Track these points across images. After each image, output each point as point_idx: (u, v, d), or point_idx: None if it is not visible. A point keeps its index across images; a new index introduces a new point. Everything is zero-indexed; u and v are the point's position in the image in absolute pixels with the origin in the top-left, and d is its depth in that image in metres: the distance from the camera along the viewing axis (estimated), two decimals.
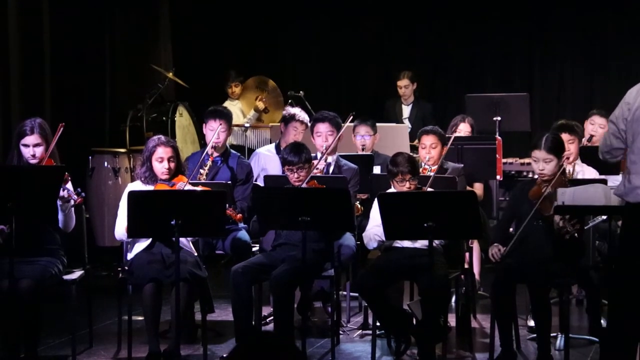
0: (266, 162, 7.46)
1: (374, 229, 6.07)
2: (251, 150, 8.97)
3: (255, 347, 2.81)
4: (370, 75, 11.46)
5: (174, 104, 9.67)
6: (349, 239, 6.46)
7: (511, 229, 6.20)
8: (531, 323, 6.41)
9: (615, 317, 4.94)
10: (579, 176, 6.65)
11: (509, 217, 6.17)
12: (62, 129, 5.92)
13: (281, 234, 6.25)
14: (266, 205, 5.92)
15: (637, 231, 4.83)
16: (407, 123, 9.78)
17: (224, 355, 6.01)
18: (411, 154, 6.65)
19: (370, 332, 6.22)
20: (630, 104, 4.91)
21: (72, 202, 5.77)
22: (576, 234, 5.65)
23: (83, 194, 5.80)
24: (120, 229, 6.03)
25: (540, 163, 5.93)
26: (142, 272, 5.85)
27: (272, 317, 6.51)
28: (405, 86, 10.02)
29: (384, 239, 5.97)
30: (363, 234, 6.21)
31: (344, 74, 11.46)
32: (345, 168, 6.99)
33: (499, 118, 8.60)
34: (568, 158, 6.50)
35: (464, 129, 7.93)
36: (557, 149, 5.94)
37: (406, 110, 10.06)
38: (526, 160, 8.24)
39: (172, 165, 6.10)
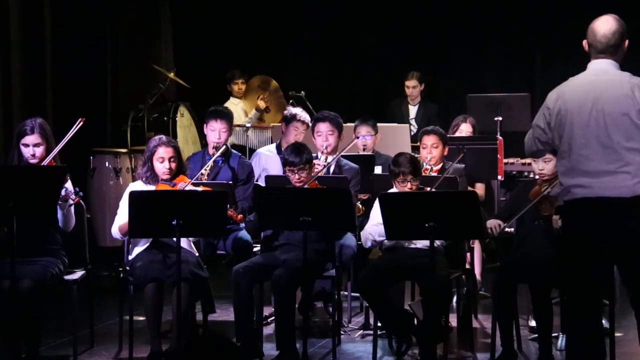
0: (267, 162, 7.46)
1: (371, 228, 6.09)
2: (252, 150, 8.97)
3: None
4: (371, 76, 11.45)
5: (175, 104, 9.68)
6: (350, 239, 6.46)
7: (511, 229, 6.20)
8: (532, 323, 6.41)
9: (572, 315, 4.97)
10: None
11: (506, 212, 6.17)
12: (81, 123, 5.95)
13: (282, 234, 6.25)
14: (267, 206, 5.92)
15: (575, 227, 4.87)
16: (413, 123, 9.78)
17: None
18: (413, 154, 6.65)
19: (371, 332, 6.23)
20: (550, 109, 4.93)
21: (70, 201, 5.78)
22: None
23: (81, 193, 5.81)
24: (116, 227, 6.05)
25: (540, 163, 5.95)
26: (144, 272, 5.85)
27: (273, 317, 6.52)
28: (413, 86, 10.00)
29: (376, 239, 6.00)
30: (361, 233, 6.23)
31: (345, 74, 11.45)
32: (346, 168, 6.99)
33: (500, 118, 8.60)
34: None
35: (465, 129, 7.93)
36: None
37: (412, 111, 10.05)
38: (527, 161, 8.23)
39: (173, 165, 6.10)
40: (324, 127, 7.08)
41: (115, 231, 6.08)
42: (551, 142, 4.95)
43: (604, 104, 4.82)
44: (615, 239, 4.81)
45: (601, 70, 4.95)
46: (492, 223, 5.98)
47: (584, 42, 5.09)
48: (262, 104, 10.05)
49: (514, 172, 8.50)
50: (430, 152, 7.04)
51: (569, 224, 4.93)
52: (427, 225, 5.49)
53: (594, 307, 4.93)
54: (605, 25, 5.04)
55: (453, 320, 6.60)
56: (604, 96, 4.83)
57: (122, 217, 5.97)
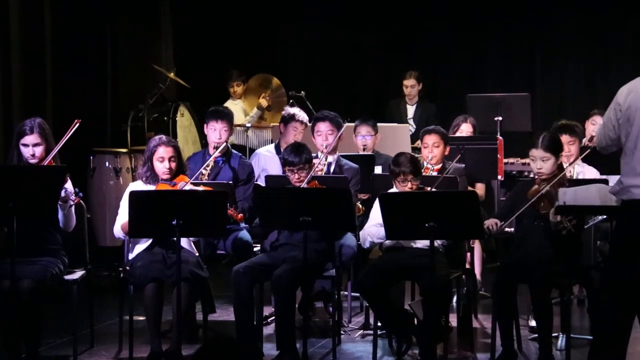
0: (266, 162, 7.46)
1: (370, 228, 6.09)
2: (252, 150, 8.96)
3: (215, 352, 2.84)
4: (371, 76, 11.46)
5: (175, 104, 9.67)
6: (350, 238, 6.46)
7: (511, 229, 6.20)
8: (532, 323, 6.41)
9: (607, 315, 4.93)
10: (580, 176, 6.66)
11: (505, 212, 6.18)
12: (77, 125, 5.95)
13: (282, 234, 6.25)
14: (267, 206, 5.92)
15: (630, 227, 4.84)
16: (411, 123, 9.78)
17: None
18: (413, 154, 6.65)
19: (371, 332, 6.22)
20: (621, 105, 4.89)
21: (70, 202, 5.77)
22: (573, 229, 5.66)
23: (81, 194, 5.81)
24: (118, 227, 6.05)
25: (538, 162, 5.94)
26: (144, 272, 5.85)
27: (273, 317, 6.52)
28: (411, 86, 9.98)
29: (375, 241, 5.99)
30: (360, 232, 6.22)
31: (345, 74, 11.44)
32: (346, 168, 6.99)
33: (500, 118, 8.60)
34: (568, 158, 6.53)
35: (465, 129, 7.93)
36: (554, 148, 5.95)
37: (410, 110, 10.04)
38: (527, 161, 8.22)
39: (173, 165, 6.10)
40: (323, 127, 7.09)
41: (117, 230, 6.07)
42: (617, 138, 4.90)
43: None
44: None
45: None
46: (489, 222, 5.98)
47: None
48: (264, 103, 10.02)
49: (514, 172, 8.50)
50: (432, 151, 7.05)
51: (624, 223, 4.88)
52: (427, 225, 5.49)
53: (632, 308, 4.90)
54: None
55: (453, 320, 6.60)
56: None
57: (123, 216, 5.97)
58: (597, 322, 4.96)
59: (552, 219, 5.69)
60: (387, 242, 6.08)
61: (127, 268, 6.08)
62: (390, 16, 11.22)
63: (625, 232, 4.86)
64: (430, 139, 7.08)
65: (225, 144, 6.89)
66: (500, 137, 7.86)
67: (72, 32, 8.98)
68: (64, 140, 5.97)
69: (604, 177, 6.38)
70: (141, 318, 6.10)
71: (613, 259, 4.94)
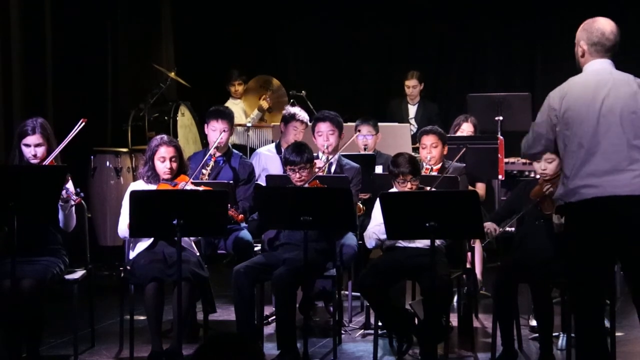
0: (267, 162, 7.46)
1: (375, 227, 6.08)
2: (253, 150, 8.96)
3: (218, 347, 2.85)
4: (372, 75, 11.46)
5: (176, 103, 9.68)
6: (350, 238, 6.47)
7: (512, 229, 6.21)
8: (533, 323, 6.42)
9: (582, 315, 4.94)
10: None
11: (506, 211, 6.18)
12: (83, 124, 5.95)
13: (283, 234, 6.26)
14: (268, 205, 5.93)
15: (588, 227, 4.83)
16: (413, 123, 9.79)
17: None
18: (413, 154, 6.66)
19: (372, 331, 6.22)
20: (556, 110, 4.90)
21: (71, 202, 5.77)
22: None
23: (82, 194, 5.81)
24: (123, 226, 6.04)
25: (543, 163, 5.94)
26: (144, 272, 5.85)
27: (273, 317, 6.52)
28: (413, 86, 10.00)
29: (381, 237, 5.98)
30: (364, 233, 6.22)
31: (345, 74, 11.46)
32: (347, 167, 7.00)
33: (500, 118, 8.61)
34: None
35: (467, 129, 7.93)
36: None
37: (412, 110, 10.05)
38: (528, 160, 8.24)
39: (174, 165, 6.10)
40: (324, 127, 7.09)
41: (123, 229, 6.06)
42: (553, 143, 4.93)
43: (613, 103, 4.82)
44: (625, 237, 4.78)
45: (605, 70, 4.97)
46: (489, 225, 5.98)
47: (582, 44, 5.09)
48: (265, 104, 10.02)
49: (515, 172, 8.50)
50: (430, 151, 7.05)
51: (579, 224, 4.86)
52: (427, 224, 5.49)
53: (601, 306, 4.94)
54: (609, 24, 5.09)
55: (454, 320, 6.60)
56: (613, 95, 4.84)
57: (126, 216, 5.96)
58: (576, 323, 4.97)
59: (555, 221, 5.68)
60: (388, 241, 6.08)
61: (128, 268, 6.08)
62: (391, 16, 11.23)
63: (582, 233, 4.84)
64: (428, 140, 7.09)
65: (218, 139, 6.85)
66: (501, 137, 7.87)
67: (72, 32, 8.98)
68: (69, 139, 5.96)
69: None
70: (142, 317, 6.11)
71: (575, 262, 4.92)
